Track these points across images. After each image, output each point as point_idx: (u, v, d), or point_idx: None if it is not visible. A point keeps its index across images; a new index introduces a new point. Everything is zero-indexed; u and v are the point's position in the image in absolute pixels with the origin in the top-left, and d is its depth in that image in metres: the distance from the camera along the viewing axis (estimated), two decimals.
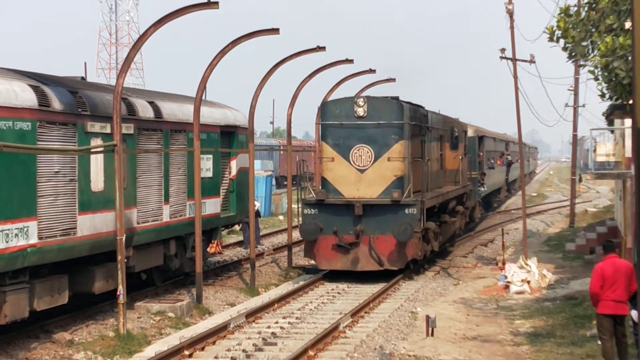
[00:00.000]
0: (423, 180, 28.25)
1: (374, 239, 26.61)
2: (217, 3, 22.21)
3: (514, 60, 34.09)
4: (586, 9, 20.20)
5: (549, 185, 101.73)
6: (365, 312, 24.05)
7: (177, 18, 21.96)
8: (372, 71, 39.53)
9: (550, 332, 20.46)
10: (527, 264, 28.66)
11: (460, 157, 38.15)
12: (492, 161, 50.78)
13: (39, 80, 18.63)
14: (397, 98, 32.17)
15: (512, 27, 33.97)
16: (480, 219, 47.91)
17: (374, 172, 26.93)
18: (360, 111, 26.61)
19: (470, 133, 44.20)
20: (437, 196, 29.97)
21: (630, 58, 13.94)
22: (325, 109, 28.22)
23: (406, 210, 26.51)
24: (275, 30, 24.24)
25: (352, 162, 26.82)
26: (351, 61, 36.01)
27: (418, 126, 29.88)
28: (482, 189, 44.41)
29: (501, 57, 35.22)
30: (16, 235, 17.67)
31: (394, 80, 43.11)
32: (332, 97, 37.27)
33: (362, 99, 26.66)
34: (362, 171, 26.70)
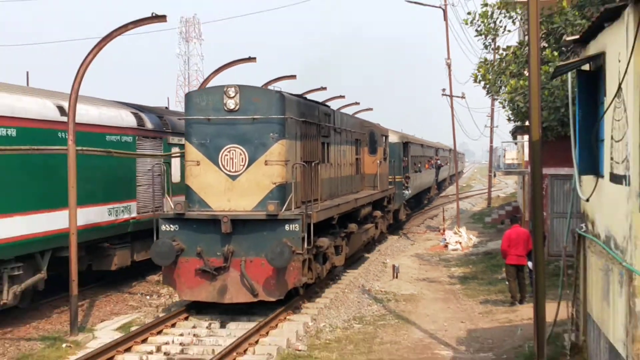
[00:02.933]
0: (314, 187, 17.39)
1: (247, 262, 15.74)
2: (254, 58, 20.07)
3: (451, 96, 34.56)
4: (498, 60, 20.58)
5: (474, 179, 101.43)
6: (353, 263, 23.60)
7: (229, 68, 21.41)
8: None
9: (474, 275, 21.25)
10: (459, 231, 28.97)
11: (378, 162, 26.59)
12: (419, 165, 41.49)
13: (137, 109, 21.46)
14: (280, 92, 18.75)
15: (449, 75, 34.79)
16: (407, 218, 38.06)
17: (248, 178, 15.90)
18: (231, 103, 15.65)
19: (395, 139, 33.00)
20: (337, 206, 19.15)
21: (527, 96, 14.14)
22: (189, 101, 16.81)
23: (286, 227, 15.79)
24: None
25: (221, 167, 15.86)
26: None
27: (315, 125, 18.79)
28: (407, 191, 34.61)
29: (442, 94, 35.62)
30: (122, 211, 19.19)
31: (371, 109, 36.49)
32: None
33: (233, 88, 15.90)
34: (233, 178, 15.76)
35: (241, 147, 15.37)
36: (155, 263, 15.70)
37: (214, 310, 15.90)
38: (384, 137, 28.56)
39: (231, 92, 15.37)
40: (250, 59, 19.74)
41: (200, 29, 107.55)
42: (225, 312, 16.00)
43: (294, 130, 16.42)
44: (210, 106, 15.60)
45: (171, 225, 15.27)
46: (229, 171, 15.50)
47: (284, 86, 21.16)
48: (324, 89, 24.86)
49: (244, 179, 15.48)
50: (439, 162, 53.11)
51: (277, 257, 14.41)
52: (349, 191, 22.35)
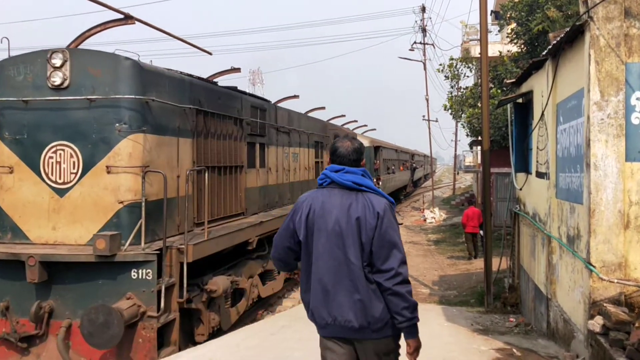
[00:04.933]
0: (225, 200, 8.65)
1: (74, 327, 5.92)
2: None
3: (428, 120, 34.07)
4: (460, 95, 20.64)
5: (443, 176, 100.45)
6: None
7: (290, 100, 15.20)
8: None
9: (444, 240, 20.95)
10: (434, 210, 28.61)
11: None
12: (393, 168, 32.96)
13: None
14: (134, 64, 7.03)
15: (427, 106, 33.94)
16: None
17: (82, 194, 6.11)
18: (58, 77, 5.75)
19: (365, 143, 22.94)
20: (260, 224, 9.20)
21: (480, 119, 14.04)
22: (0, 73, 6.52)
23: (133, 273, 5.84)
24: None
25: (44, 176, 6.01)
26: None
27: (234, 119, 9.15)
28: None
29: (423, 119, 35.16)
30: None
31: (374, 129, 30.34)
32: None
33: (60, 54, 5.82)
34: (61, 193, 5.99)
35: (72, 146, 6.80)
36: None
37: None
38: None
39: (57, 59, 6.73)
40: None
41: (262, 77, 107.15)
42: None
43: (172, 121, 7.51)
44: (28, 82, 6.89)
45: None
46: (56, 183, 6.83)
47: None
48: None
49: (77, 195, 6.81)
50: (414, 165, 44.99)
51: (97, 332, 6.04)
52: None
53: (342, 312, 3.03)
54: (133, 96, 6.81)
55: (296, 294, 12.01)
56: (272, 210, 11.44)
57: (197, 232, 7.84)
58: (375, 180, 25.33)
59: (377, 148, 26.61)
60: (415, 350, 3.19)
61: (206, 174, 8.06)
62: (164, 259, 6.67)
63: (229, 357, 6.27)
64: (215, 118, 8.76)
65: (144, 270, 6.40)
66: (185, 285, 6.94)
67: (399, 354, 3.26)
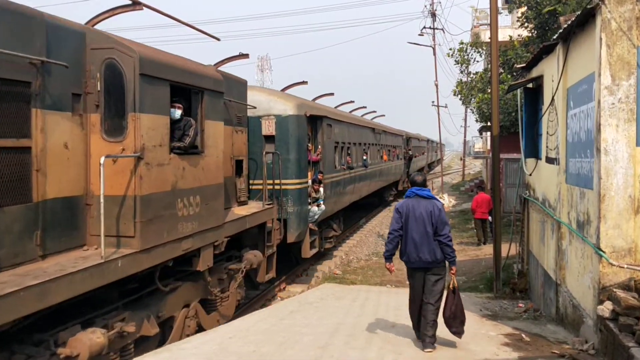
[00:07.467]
0: None
1: None
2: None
3: (437, 106, 33.77)
4: (470, 80, 20.55)
5: (453, 163, 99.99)
6: (371, 216, 23.49)
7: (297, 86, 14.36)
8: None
9: (453, 225, 21.06)
10: (443, 196, 28.59)
11: (132, 160, 5.00)
12: (365, 157, 18.41)
13: None
14: None
15: (437, 92, 33.51)
16: (332, 246, 14.90)
17: None
18: None
19: (288, 110, 11.38)
20: None
21: (490, 105, 13.98)
22: None
23: None
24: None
25: None
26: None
27: None
28: (317, 209, 12.21)
29: (432, 105, 34.87)
30: None
31: (383, 115, 27.64)
32: None
33: None
34: None
35: None
36: None
37: None
38: (201, 93, 7.07)
39: None
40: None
41: (271, 63, 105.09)
42: None
43: None
44: None
45: None
46: None
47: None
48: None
49: None
50: (410, 152, 33.64)
51: None
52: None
53: (425, 254, 6.12)
54: None
55: (299, 284, 12.70)
56: None
57: None
58: (310, 184, 12.60)
59: (316, 120, 13.44)
60: (455, 271, 6.24)
61: None
62: None
63: (239, 342, 6.45)
64: None
65: None
66: None
67: (445, 276, 6.28)
